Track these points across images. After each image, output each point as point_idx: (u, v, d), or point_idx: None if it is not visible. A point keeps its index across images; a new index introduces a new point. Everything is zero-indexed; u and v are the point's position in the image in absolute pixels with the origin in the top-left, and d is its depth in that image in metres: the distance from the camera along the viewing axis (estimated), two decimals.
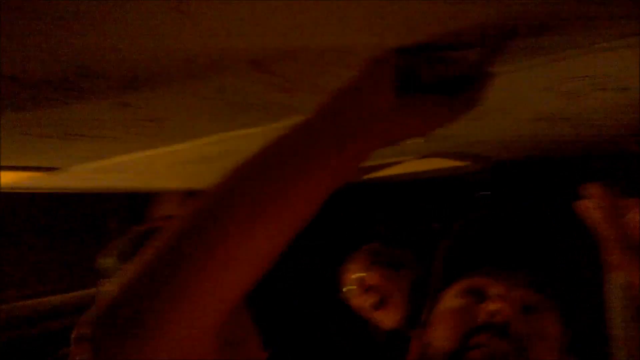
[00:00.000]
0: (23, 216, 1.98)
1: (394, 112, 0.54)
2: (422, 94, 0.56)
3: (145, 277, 0.50)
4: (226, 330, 0.53)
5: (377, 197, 2.32)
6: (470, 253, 0.78)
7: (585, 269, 0.78)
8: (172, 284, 0.49)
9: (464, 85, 0.59)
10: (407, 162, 1.79)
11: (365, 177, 2.05)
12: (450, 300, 0.75)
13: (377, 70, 0.55)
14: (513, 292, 0.71)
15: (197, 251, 0.49)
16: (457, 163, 1.83)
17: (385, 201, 2.35)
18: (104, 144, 1.11)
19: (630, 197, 0.79)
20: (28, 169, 1.36)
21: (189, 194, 1.97)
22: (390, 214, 2.23)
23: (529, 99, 0.91)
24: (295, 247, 0.55)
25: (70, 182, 1.64)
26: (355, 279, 1.78)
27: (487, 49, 0.61)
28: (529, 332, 0.68)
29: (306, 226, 0.53)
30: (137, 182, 1.73)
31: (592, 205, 0.70)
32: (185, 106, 0.83)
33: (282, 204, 0.51)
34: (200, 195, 0.53)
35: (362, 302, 1.77)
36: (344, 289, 1.82)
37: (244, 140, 1.04)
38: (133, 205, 2.13)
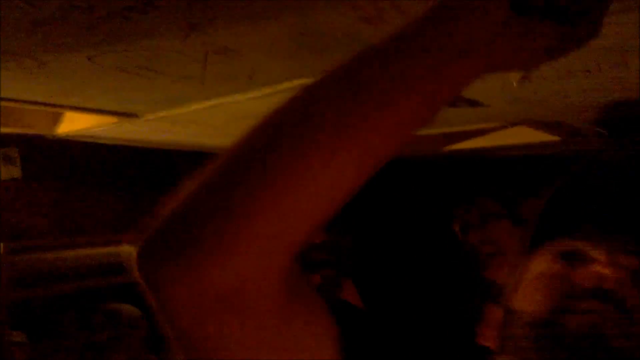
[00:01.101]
0: (101, 166, 2.03)
1: (506, 30, 0.48)
2: (538, 17, 0.50)
3: (208, 186, 0.45)
4: (294, 281, 0.48)
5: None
6: (569, 212, 0.70)
7: None
8: (241, 192, 0.44)
9: (577, 16, 0.53)
10: (493, 133, 1.70)
11: (449, 148, 1.97)
12: (544, 263, 0.68)
13: None
14: (620, 258, 0.63)
15: (278, 156, 0.44)
16: (548, 137, 1.72)
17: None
18: (182, 87, 1.09)
19: None
20: (108, 112, 1.36)
21: None
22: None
23: None
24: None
25: (146, 133, 1.66)
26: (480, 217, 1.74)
27: None
28: (639, 302, 0.59)
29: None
30: (213, 138, 1.72)
31: None
32: (258, 38, 0.78)
33: (370, 125, 0.46)
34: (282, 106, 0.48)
35: (478, 240, 1.73)
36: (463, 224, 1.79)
37: None
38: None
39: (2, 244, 1.71)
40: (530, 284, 0.67)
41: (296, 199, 0.45)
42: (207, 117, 1.36)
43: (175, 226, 0.44)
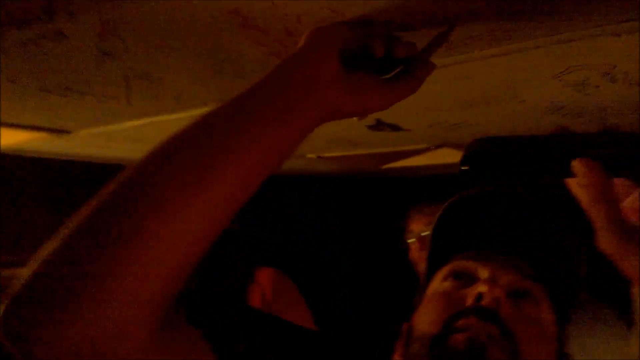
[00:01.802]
0: (30, 182, 1.89)
1: (337, 84, 0.53)
2: (365, 72, 0.56)
3: (63, 249, 0.46)
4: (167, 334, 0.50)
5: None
6: (458, 235, 0.75)
7: (577, 254, 0.74)
8: (99, 251, 0.45)
9: (404, 70, 0.59)
10: (423, 153, 1.76)
11: (383, 167, 2.03)
12: (438, 283, 0.73)
13: (325, 39, 0.54)
14: (502, 276, 0.69)
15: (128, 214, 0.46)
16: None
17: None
18: (109, 106, 1.11)
19: (626, 178, 0.73)
20: (37, 128, 1.36)
21: None
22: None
23: (540, 86, 0.88)
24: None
25: (81, 148, 1.65)
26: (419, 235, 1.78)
27: (437, 35, 0.61)
28: (517, 316, 0.65)
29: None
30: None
31: (579, 183, 0.64)
32: (178, 65, 0.81)
33: (222, 178, 0.49)
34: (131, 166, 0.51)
35: (418, 257, 1.77)
36: (408, 240, 1.83)
37: None
38: None
39: None
40: (426, 302, 0.71)
41: (167, 244, 0.47)
42: (139, 134, 1.37)
43: (37, 285, 0.45)
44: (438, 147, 1.58)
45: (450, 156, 1.75)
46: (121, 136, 1.43)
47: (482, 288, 0.65)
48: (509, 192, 0.76)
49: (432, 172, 2.05)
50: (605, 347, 1.16)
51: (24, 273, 0.45)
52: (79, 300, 0.44)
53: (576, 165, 0.61)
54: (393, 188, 2.39)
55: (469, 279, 0.70)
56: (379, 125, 1.26)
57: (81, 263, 0.44)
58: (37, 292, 0.44)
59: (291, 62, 0.54)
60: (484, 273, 0.69)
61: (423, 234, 1.76)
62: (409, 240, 1.83)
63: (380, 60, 0.57)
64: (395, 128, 1.27)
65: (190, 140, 0.50)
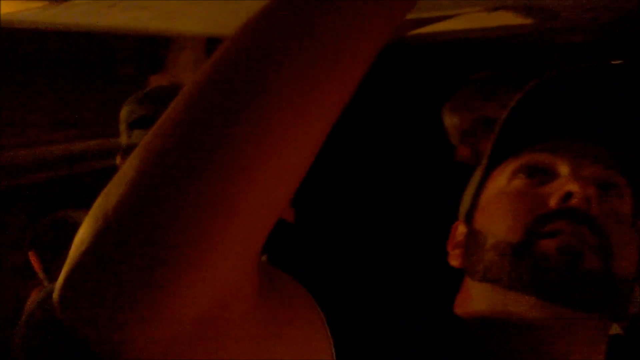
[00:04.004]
0: (29, 55, 1.67)
1: None
2: None
3: (137, 192, 0.33)
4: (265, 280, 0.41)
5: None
6: (532, 123, 0.64)
7: None
8: (188, 202, 0.32)
9: None
10: (466, 16, 1.56)
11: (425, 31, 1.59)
12: (505, 181, 0.62)
13: None
14: (585, 168, 0.60)
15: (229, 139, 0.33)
16: (523, 20, 1.57)
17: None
18: None
19: None
20: None
21: (212, 41, 1.64)
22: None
23: None
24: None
25: (80, 16, 1.40)
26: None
27: None
28: (607, 215, 0.58)
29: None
30: (154, 22, 1.41)
31: None
32: None
33: (333, 67, 0.35)
34: (224, 54, 0.36)
35: (468, 124, 1.51)
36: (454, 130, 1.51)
37: None
38: (150, 51, 1.93)
39: None
40: (495, 204, 0.63)
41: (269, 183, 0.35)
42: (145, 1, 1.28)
43: (114, 255, 0.32)
44: (495, 9, 1.42)
45: (505, 19, 1.56)
46: (124, 3, 1.28)
47: (571, 186, 0.57)
48: (595, 73, 0.65)
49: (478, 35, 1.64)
50: None
51: (83, 235, 0.33)
52: (177, 262, 0.32)
53: None
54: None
55: (546, 175, 0.61)
56: None
57: (169, 211, 0.32)
58: (114, 263, 0.32)
59: None
60: (564, 168, 0.60)
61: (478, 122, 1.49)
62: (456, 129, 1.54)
63: None
64: None
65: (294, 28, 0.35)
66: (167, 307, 0.33)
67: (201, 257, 0.33)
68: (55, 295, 0.34)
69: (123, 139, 1.14)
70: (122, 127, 1.17)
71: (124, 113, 1.14)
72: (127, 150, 1.07)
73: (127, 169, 0.34)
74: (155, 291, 0.32)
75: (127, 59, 2.03)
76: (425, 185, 1.63)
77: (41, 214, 1.43)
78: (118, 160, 1.10)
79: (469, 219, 0.65)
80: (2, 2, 1.27)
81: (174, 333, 0.33)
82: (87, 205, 0.36)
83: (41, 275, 1.32)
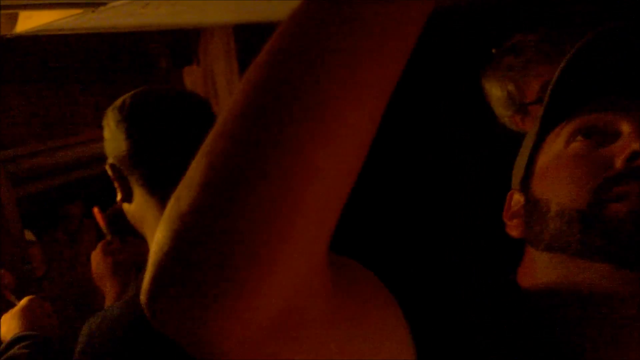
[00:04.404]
0: (72, 59, 1.78)
1: None
2: None
3: (217, 194, 0.33)
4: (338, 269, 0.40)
5: None
6: (585, 82, 0.61)
7: None
8: (269, 191, 0.33)
9: None
10: None
11: None
12: (561, 145, 0.59)
13: None
14: None
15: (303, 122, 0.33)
16: None
17: None
18: None
19: None
20: (68, 5, 1.34)
21: (240, 29, 1.60)
22: None
23: None
24: None
25: (115, 19, 1.50)
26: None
27: None
28: None
29: None
30: (184, 15, 1.47)
31: None
32: None
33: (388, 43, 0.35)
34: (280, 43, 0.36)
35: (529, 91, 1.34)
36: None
37: None
38: (182, 44, 1.95)
39: None
40: (550, 168, 0.59)
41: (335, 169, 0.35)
42: None
43: (194, 252, 0.33)
44: None
45: None
46: (156, 2, 1.33)
47: (637, 145, 0.54)
48: None
49: None
50: None
51: (161, 238, 0.34)
52: (253, 262, 0.33)
53: None
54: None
55: (606, 135, 0.57)
56: None
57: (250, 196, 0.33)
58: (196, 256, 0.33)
59: None
60: (626, 126, 0.56)
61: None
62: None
63: None
64: None
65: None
66: (249, 302, 0.33)
67: (276, 251, 0.33)
68: (142, 298, 0.35)
69: (115, 146, 0.96)
70: (113, 131, 0.99)
71: (115, 114, 0.97)
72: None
73: (195, 172, 0.35)
74: (235, 287, 0.33)
75: (160, 54, 2.11)
76: (472, 157, 1.63)
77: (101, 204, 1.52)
78: (107, 167, 0.97)
79: (525, 188, 0.61)
80: (42, 12, 1.34)
81: (257, 330, 0.34)
82: None
83: (106, 231, 1.34)
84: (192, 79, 2.10)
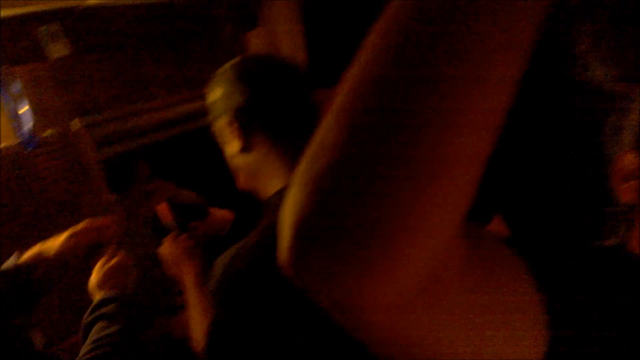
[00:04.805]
0: (139, 27, 1.83)
1: None
2: None
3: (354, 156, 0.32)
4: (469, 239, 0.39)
5: None
6: None
7: None
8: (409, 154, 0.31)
9: None
10: None
11: None
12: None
13: None
14: None
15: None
16: None
17: None
18: None
19: None
20: None
21: None
22: None
23: None
24: None
25: None
26: None
27: None
28: None
29: None
30: None
31: None
32: None
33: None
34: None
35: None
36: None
37: None
38: (245, 9, 1.98)
39: (77, 120, 1.69)
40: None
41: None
42: None
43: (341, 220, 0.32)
44: None
45: None
46: None
47: None
48: None
49: None
50: None
51: (296, 199, 0.33)
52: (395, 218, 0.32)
53: None
54: None
55: None
56: None
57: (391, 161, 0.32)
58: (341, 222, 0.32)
59: None
60: None
61: None
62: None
63: None
64: None
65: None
66: (401, 269, 0.32)
67: (418, 220, 0.32)
68: (284, 256, 0.34)
69: (235, 99, 0.97)
70: (230, 86, 1.01)
71: (231, 72, 1.00)
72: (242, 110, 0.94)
73: (326, 136, 0.33)
74: (390, 253, 0.32)
75: (226, 19, 2.11)
76: (570, 119, 1.52)
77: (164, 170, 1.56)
78: (225, 120, 0.96)
79: None
80: None
81: (404, 297, 0.33)
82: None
83: (172, 225, 1.41)
84: (256, 42, 2.13)
